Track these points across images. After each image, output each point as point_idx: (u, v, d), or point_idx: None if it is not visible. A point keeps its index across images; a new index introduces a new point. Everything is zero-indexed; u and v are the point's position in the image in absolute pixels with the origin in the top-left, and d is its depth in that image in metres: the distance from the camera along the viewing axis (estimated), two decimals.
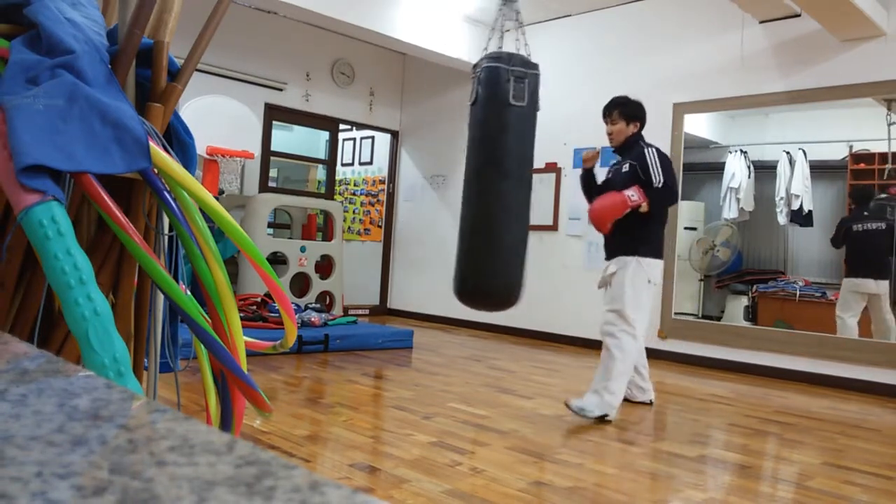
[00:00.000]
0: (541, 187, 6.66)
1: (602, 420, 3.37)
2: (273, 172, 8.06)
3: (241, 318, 1.63)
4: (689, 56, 5.74)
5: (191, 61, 1.44)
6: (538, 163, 6.57)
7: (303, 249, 6.56)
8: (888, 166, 5.75)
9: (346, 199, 8.90)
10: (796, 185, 6.11)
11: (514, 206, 3.13)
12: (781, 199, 6.22)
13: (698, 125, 6.22)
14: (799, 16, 5.07)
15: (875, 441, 3.38)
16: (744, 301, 6.50)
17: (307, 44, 7.19)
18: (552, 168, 6.58)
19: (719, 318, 6.61)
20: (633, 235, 3.52)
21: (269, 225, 7.12)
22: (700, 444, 3.14)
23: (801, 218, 6.19)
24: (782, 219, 6.26)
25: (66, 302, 1.04)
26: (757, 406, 4.07)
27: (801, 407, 4.13)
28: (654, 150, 3.53)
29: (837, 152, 6.21)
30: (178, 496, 0.32)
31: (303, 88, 7.25)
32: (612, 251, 3.61)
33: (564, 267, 6.42)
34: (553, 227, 6.55)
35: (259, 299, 5.56)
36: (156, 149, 1.25)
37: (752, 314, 6.33)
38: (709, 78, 5.60)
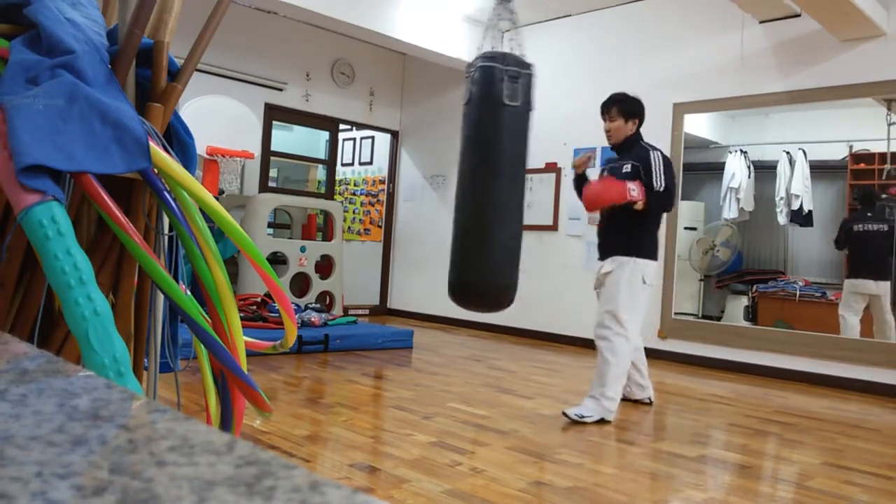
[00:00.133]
0: (541, 187, 6.67)
1: (602, 421, 3.37)
2: (273, 172, 8.06)
3: (241, 318, 1.63)
4: (689, 56, 5.74)
5: (191, 61, 1.44)
6: (538, 163, 6.63)
7: (303, 249, 6.57)
8: (887, 166, 5.75)
9: (346, 199, 8.90)
10: (796, 185, 6.11)
11: (507, 207, 3.10)
12: (781, 199, 6.22)
13: (698, 125, 6.22)
14: (799, 16, 5.07)
15: (875, 441, 3.38)
16: (744, 301, 6.51)
17: (307, 44, 7.19)
18: (552, 168, 6.58)
19: (719, 318, 6.61)
20: (630, 235, 3.52)
21: (269, 225, 7.12)
22: (700, 444, 3.14)
23: (801, 218, 6.19)
24: (782, 219, 6.26)
25: (66, 302, 1.04)
26: (757, 406, 4.07)
27: (801, 407, 4.13)
28: (659, 153, 3.51)
29: (837, 152, 6.21)
30: (178, 496, 0.32)
31: (303, 88, 7.25)
32: (607, 251, 3.59)
33: (564, 267, 6.42)
34: (553, 227, 6.56)
35: (259, 299, 5.56)
36: (156, 149, 1.25)
37: (752, 314, 6.33)
38: (709, 78, 5.60)
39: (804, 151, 6.12)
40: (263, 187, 7.07)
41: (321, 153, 8.68)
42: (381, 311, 8.13)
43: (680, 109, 5.74)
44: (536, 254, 6.57)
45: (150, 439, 0.42)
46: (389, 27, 6.15)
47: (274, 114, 7.12)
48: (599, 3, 6.23)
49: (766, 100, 5.40)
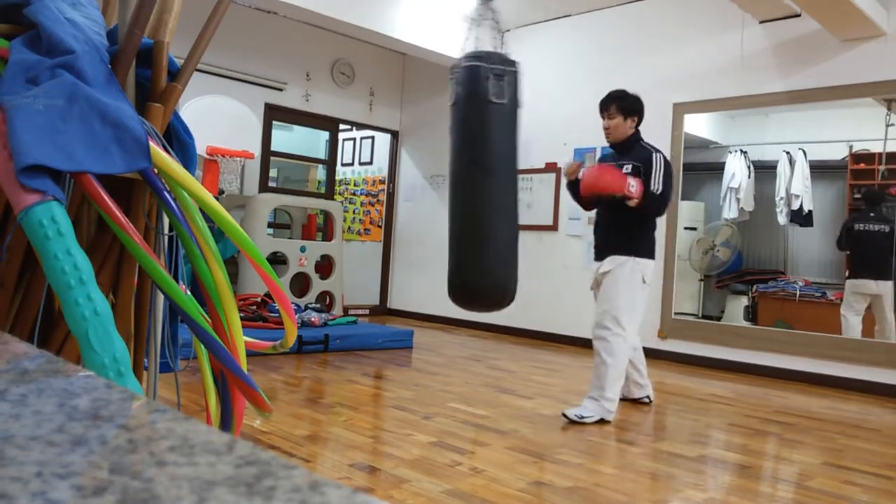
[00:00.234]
0: (541, 187, 6.67)
1: (601, 421, 3.37)
2: (273, 172, 8.06)
3: (241, 318, 1.63)
4: (689, 56, 5.74)
5: (191, 61, 1.44)
6: (538, 163, 6.64)
7: (303, 249, 6.57)
8: (882, 167, 5.76)
9: (346, 199, 8.90)
10: (796, 185, 6.12)
11: (500, 205, 3.09)
12: (781, 199, 6.22)
13: (698, 125, 6.22)
14: (799, 16, 5.07)
15: (875, 441, 3.38)
16: (744, 301, 6.51)
17: (307, 44, 7.19)
18: (552, 168, 6.58)
19: (719, 318, 6.61)
20: (630, 235, 3.51)
21: (269, 225, 7.12)
22: (700, 444, 3.14)
23: (801, 218, 6.19)
24: (782, 219, 6.26)
25: (66, 302, 1.04)
26: (757, 406, 4.07)
27: (801, 407, 4.13)
28: (661, 156, 3.49)
29: (837, 152, 6.21)
30: (178, 496, 0.32)
31: (303, 88, 7.25)
32: (605, 251, 3.57)
33: (564, 267, 6.42)
34: (553, 227, 6.56)
35: (259, 299, 5.56)
36: (156, 149, 1.25)
37: (752, 314, 6.33)
38: (709, 78, 5.60)
39: (804, 151, 6.12)
40: (263, 187, 7.07)
41: (321, 153, 8.68)
42: (381, 311, 8.13)
43: (680, 109, 5.74)
44: (536, 254, 6.57)
45: (150, 439, 0.42)
46: (389, 27, 6.15)
47: (274, 114, 7.12)
48: (599, 3, 6.23)
49: (766, 100, 5.40)
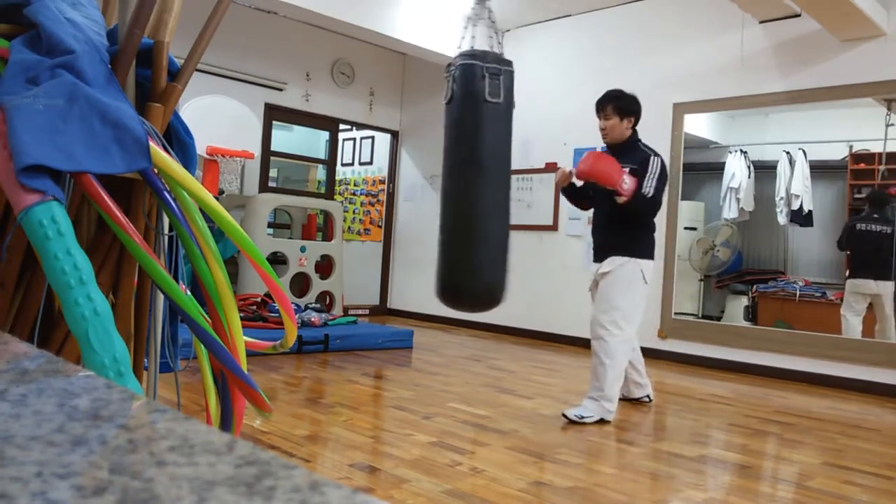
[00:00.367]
0: (541, 187, 6.67)
1: (601, 421, 3.37)
2: (273, 172, 8.06)
3: (241, 318, 1.63)
4: (689, 56, 5.74)
5: (191, 61, 1.44)
6: (538, 163, 6.64)
7: (303, 249, 6.57)
8: (882, 167, 5.75)
9: (346, 199, 8.90)
10: (796, 185, 6.12)
11: (492, 205, 3.08)
12: (781, 199, 6.22)
13: (698, 125, 6.22)
14: (799, 16, 5.08)
15: (875, 441, 3.38)
16: (744, 301, 6.51)
17: (307, 44, 7.19)
18: (552, 168, 6.58)
19: (719, 318, 6.61)
20: (631, 236, 3.51)
21: (269, 225, 7.12)
22: (700, 444, 3.14)
23: (801, 218, 6.19)
24: (782, 219, 6.26)
25: (66, 302, 1.04)
26: (757, 406, 4.07)
27: (801, 407, 4.13)
28: (659, 160, 3.47)
29: (837, 152, 6.21)
30: (178, 496, 0.32)
31: (303, 88, 7.25)
32: (605, 252, 3.55)
33: (564, 267, 6.42)
34: (553, 227, 6.55)
35: (259, 299, 5.56)
36: (156, 149, 1.25)
37: (752, 314, 6.33)
38: (709, 78, 5.60)
39: (804, 151, 6.12)
40: (263, 187, 7.07)
41: (321, 153, 8.68)
42: (381, 311, 8.13)
43: (680, 109, 5.74)
44: (536, 254, 6.57)
45: (150, 439, 0.42)
46: (389, 27, 6.15)
47: (274, 114, 7.12)
48: (599, 3, 6.23)
49: (766, 100, 5.40)
